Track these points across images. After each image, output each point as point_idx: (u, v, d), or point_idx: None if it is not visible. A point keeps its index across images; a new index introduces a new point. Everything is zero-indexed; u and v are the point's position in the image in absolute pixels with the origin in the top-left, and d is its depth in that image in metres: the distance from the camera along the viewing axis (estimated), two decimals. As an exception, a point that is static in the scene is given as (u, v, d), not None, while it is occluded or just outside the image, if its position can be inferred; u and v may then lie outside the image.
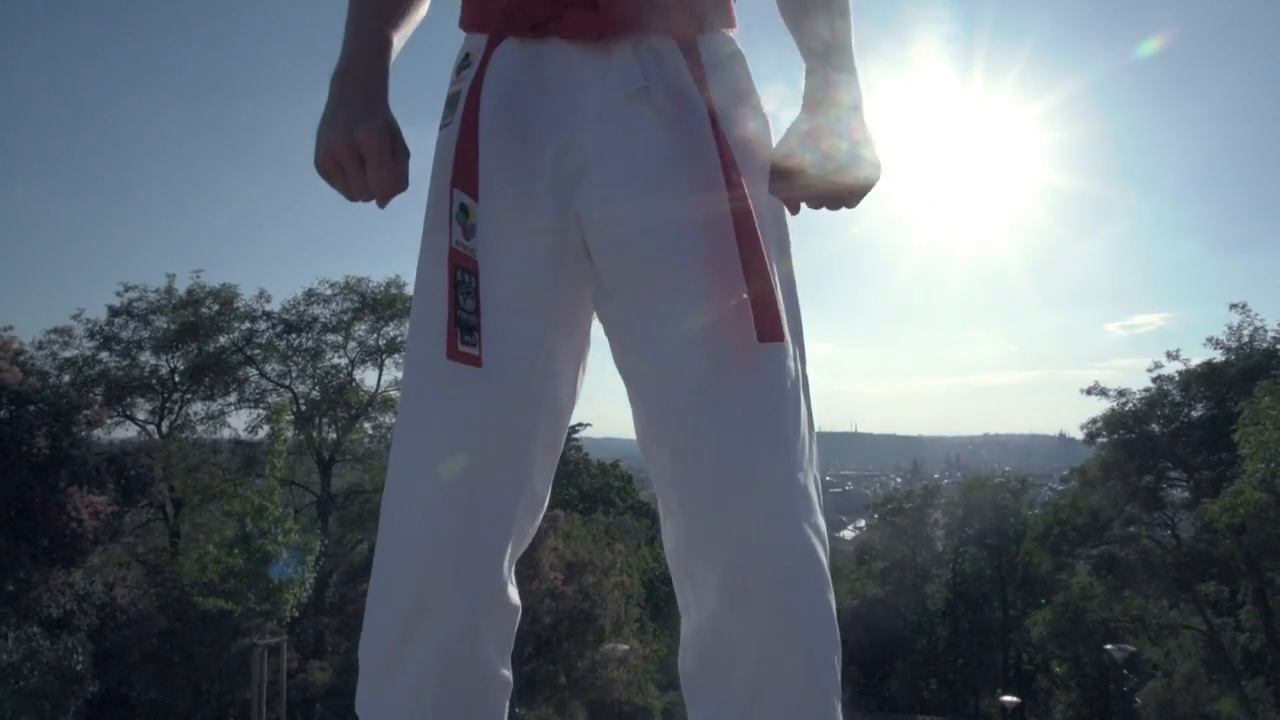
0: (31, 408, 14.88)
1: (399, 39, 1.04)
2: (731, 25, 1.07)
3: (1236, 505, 14.23)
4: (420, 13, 1.10)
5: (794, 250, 1.07)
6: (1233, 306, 20.11)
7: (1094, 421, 21.53)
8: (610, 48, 0.97)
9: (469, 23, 1.08)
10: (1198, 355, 22.13)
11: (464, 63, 1.06)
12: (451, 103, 1.05)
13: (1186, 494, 20.56)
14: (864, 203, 0.98)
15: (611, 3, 0.95)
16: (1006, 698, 21.80)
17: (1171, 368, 20.76)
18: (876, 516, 36.04)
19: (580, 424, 30.08)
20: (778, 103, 1.09)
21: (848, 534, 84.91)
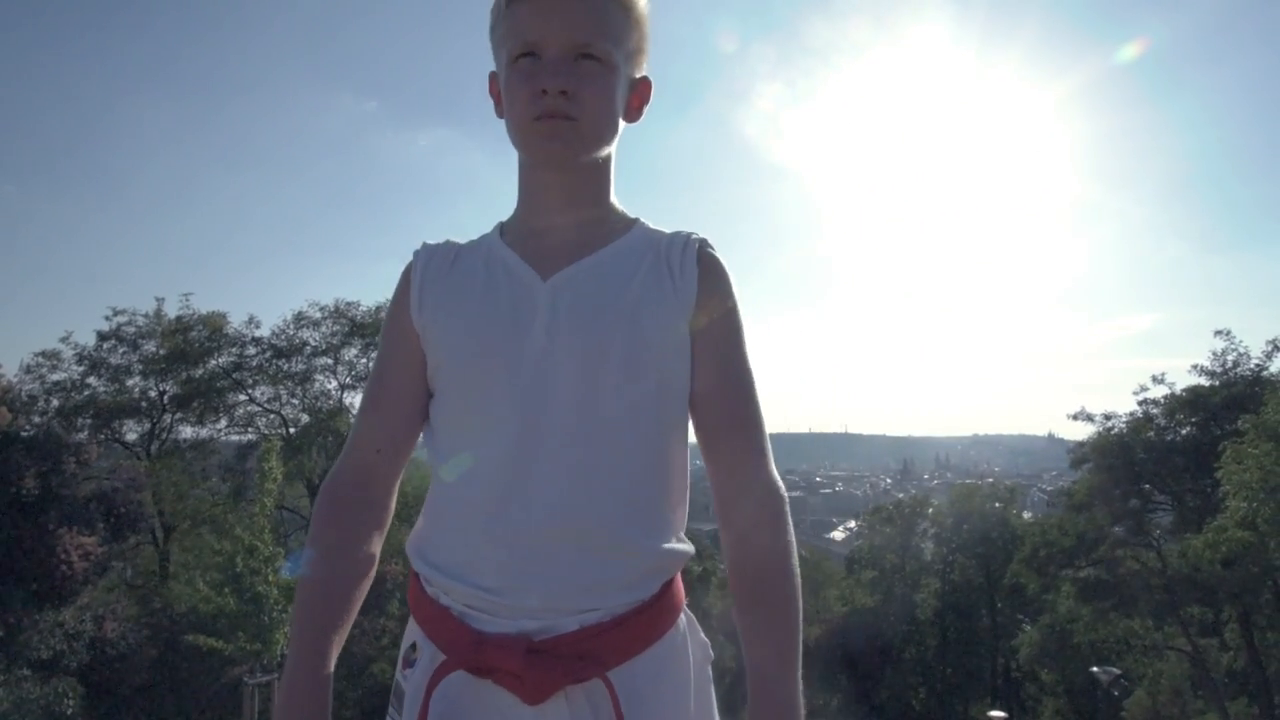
0: (20, 446, 14.80)
1: (343, 636, 1.10)
2: (671, 623, 1.10)
3: (1219, 542, 14.38)
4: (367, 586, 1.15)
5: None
6: (1218, 333, 20.35)
7: (1081, 445, 21.75)
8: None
9: (416, 615, 1.12)
10: (1187, 359, 22.26)
11: (410, 653, 1.11)
12: (398, 696, 1.10)
13: (1172, 517, 20.78)
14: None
15: (536, 680, 0.99)
16: (994, 713, 21.93)
17: (1157, 391, 20.97)
18: (865, 524, 36.18)
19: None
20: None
21: (838, 535, 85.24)
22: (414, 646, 1.11)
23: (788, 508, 1.11)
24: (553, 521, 1.03)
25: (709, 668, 1.15)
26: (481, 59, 1.21)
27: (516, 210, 1.22)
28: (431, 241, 1.23)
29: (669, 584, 1.11)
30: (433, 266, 1.18)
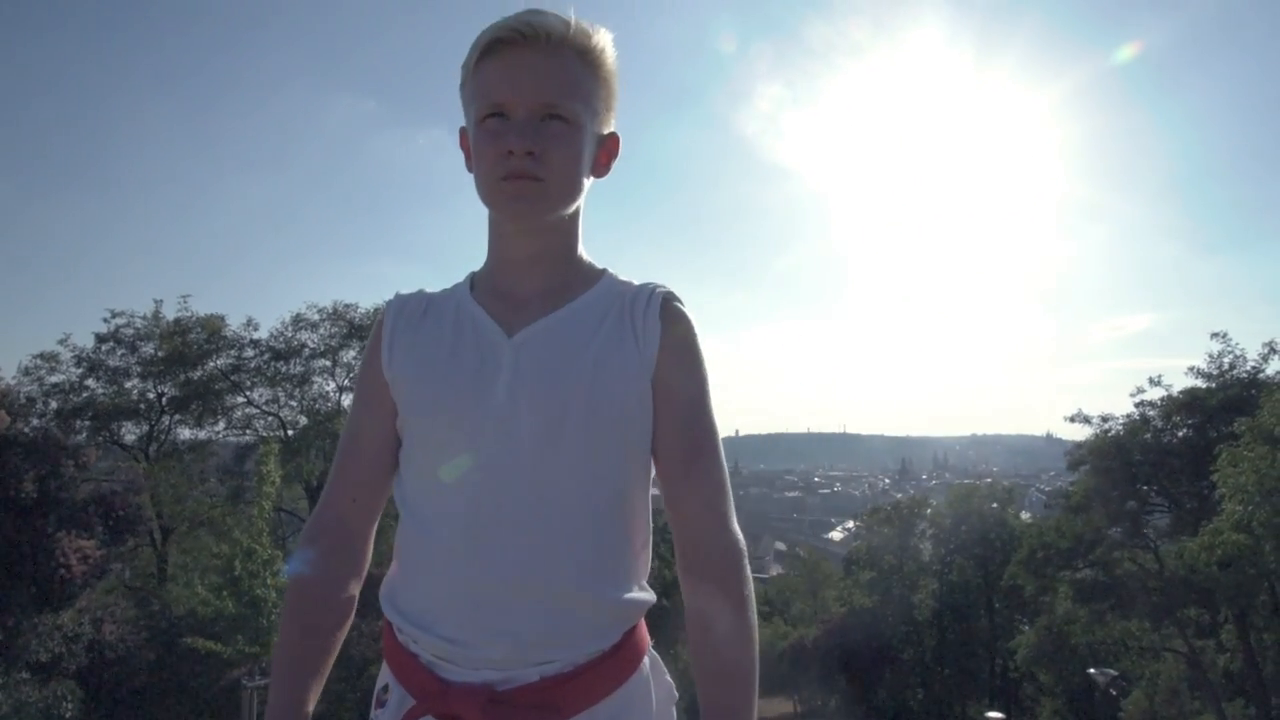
0: (18, 449, 14.80)
1: (323, 678, 1.15)
2: (633, 669, 1.12)
3: (1215, 545, 14.43)
4: (340, 641, 1.19)
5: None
6: (1214, 335, 20.37)
7: (1079, 446, 21.80)
8: None
9: (388, 659, 1.16)
10: (1183, 360, 22.27)
11: (382, 694, 1.15)
12: None
13: (1168, 520, 20.85)
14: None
15: None
16: (991, 714, 21.93)
17: (1154, 393, 21.00)
18: (863, 524, 36.15)
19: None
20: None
21: (836, 535, 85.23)
22: (386, 688, 1.15)
23: (746, 561, 1.13)
24: (513, 578, 1.06)
25: (673, 708, 1.18)
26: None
27: (486, 263, 1.24)
28: (404, 291, 1.26)
29: (631, 631, 1.13)
30: (403, 318, 1.21)
